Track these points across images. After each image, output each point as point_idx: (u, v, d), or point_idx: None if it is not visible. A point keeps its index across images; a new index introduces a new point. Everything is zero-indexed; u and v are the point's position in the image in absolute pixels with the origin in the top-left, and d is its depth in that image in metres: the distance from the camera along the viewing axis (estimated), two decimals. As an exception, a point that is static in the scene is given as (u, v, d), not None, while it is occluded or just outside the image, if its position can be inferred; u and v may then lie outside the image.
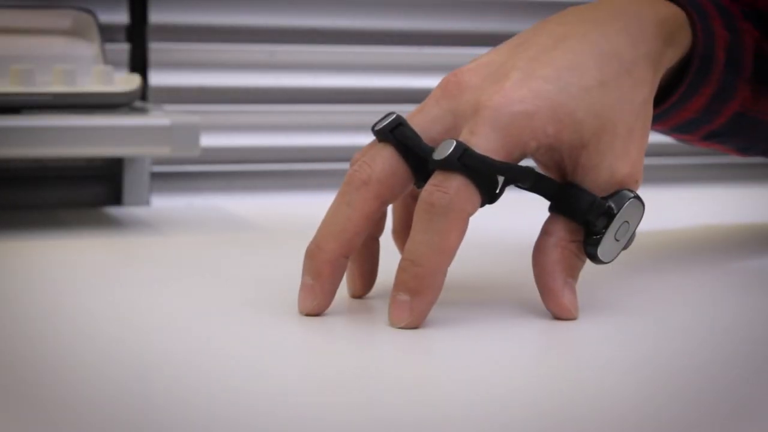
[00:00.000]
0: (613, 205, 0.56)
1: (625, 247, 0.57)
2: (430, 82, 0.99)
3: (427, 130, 0.56)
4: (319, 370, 0.50)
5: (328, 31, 0.96)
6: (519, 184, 0.56)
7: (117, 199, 0.90)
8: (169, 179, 0.93)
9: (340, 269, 0.56)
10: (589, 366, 0.51)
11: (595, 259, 0.57)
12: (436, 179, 0.54)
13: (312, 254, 0.56)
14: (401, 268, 0.54)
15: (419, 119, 0.56)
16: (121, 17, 0.90)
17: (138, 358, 0.50)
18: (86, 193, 0.89)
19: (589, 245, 0.56)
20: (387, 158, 0.56)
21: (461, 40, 1.00)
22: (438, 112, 0.57)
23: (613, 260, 0.57)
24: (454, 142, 0.54)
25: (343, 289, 0.60)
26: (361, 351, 0.53)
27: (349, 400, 0.46)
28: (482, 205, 0.55)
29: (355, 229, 0.56)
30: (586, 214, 0.56)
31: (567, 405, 0.46)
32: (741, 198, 0.99)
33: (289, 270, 0.68)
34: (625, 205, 0.56)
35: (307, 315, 0.56)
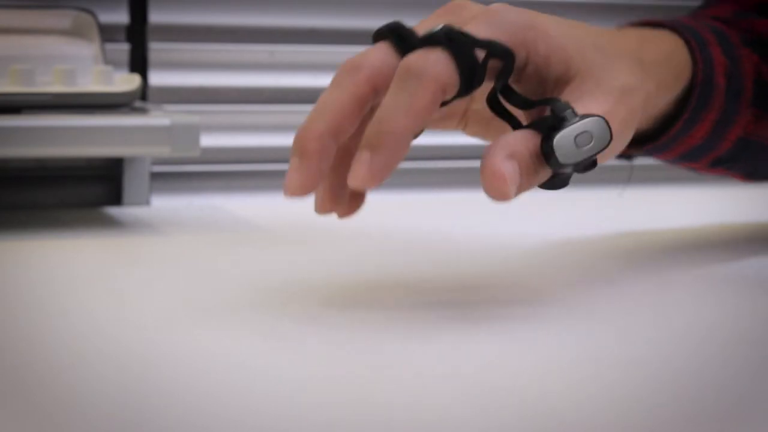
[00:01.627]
0: (576, 110, 0.54)
1: (583, 168, 0.55)
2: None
3: (423, 31, 0.55)
4: (320, 371, 0.50)
5: (328, 31, 0.96)
6: (497, 100, 0.55)
7: (117, 199, 0.90)
8: (169, 179, 0.93)
9: (327, 149, 0.54)
10: (590, 366, 0.51)
11: (551, 156, 0.54)
12: (418, 51, 0.54)
13: (298, 134, 0.55)
14: (368, 128, 0.53)
15: (419, 27, 0.56)
16: (121, 17, 0.90)
17: (138, 358, 0.50)
18: (86, 193, 0.89)
19: (546, 140, 0.54)
20: (382, 49, 0.55)
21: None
22: (438, 21, 0.56)
23: (569, 168, 0.54)
24: (443, 24, 0.54)
25: (342, 289, 0.60)
26: (362, 351, 0.53)
27: (348, 400, 0.46)
28: (461, 88, 0.54)
29: (343, 109, 0.54)
30: (551, 118, 0.54)
31: (567, 406, 0.46)
32: (741, 198, 0.99)
33: (289, 270, 0.68)
34: (592, 117, 0.54)
35: (293, 196, 0.54)
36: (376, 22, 0.98)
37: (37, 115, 0.75)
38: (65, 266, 0.68)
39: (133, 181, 0.89)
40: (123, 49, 0.90)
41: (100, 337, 0.53)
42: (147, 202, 0.90)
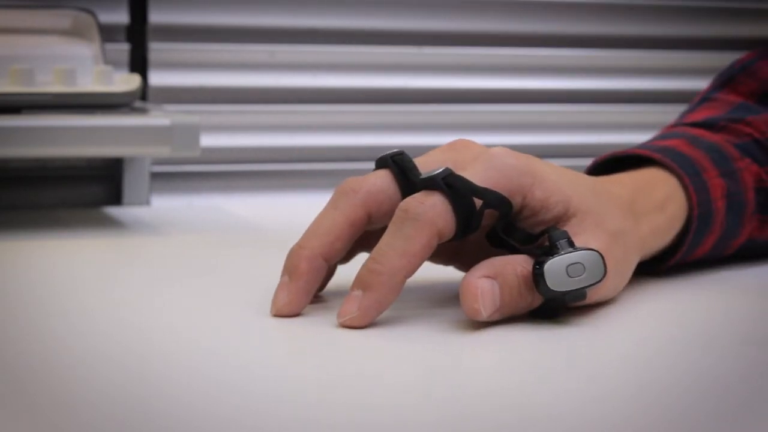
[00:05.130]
0: (574, 240, 0.55)
1: (570, 299, 0.55)
2: (430, 82, 0.99)
3: (424, 167, 0.56)
4: (320, 371, 0.50)
5: (328, 31, 0.96)
6: (497, 236, 0.56)
7: (117, 199, 0.90)
8: (169, 179, 0.93)
9: (318, 270, 0.56)
10: (590, 366, 0.51)
11: (540, 281, 0.54)
12: (417, 194, 0.55)
13: (292, 252, 0.56)
14: (362, 267, 0.55)
15: (421, 159, 0.58)
16: (121, 17, 0.90)
17: (137, 358, 0.50)
18: (86, 193, 0.89)
19: (538, 264, 0.54)
20: (380, 176, 0.57)
21: (461, 40, 1.00)
22: (441, 157, 0.58)
23: (557, 298, 0.54)
24: (443, 167, 0.55)
25: (342, 289, 0.60)
26: (362, 351, 0.53)
27: (349, 400, 0.46)
28: (457, 233, 0.55)
29: (338, 232, 0.56)
30: (546, 246, 0.55)
31: (569, 406, 0.46)
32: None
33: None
34: (588, 250, 0.55)
35: (278, 315, 0.55)
36: (376, 22, 0.99)
37: (37, 115, 0.75)
38: (65, 266, 0.68)
39: (133, 181, 0.89)
40: (123, 49, 0.90)
41: (100, 337, 0.53)
42: (147, 202, 0.90)
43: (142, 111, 0.78)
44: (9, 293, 0.61)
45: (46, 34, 0.84)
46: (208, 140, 0.91)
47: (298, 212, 0.88)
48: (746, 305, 0.62)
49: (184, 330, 0.55)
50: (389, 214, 0.56)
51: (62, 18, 0.85)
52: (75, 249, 0.73)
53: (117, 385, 0.46)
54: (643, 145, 0.68)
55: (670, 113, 1.02)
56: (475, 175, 0.55)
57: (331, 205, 0.57)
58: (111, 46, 0.88)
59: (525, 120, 1.02)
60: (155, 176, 0.92)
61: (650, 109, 1.05)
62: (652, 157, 0.65)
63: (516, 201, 0.56)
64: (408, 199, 0.55)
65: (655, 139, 0.70)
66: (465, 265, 0.60)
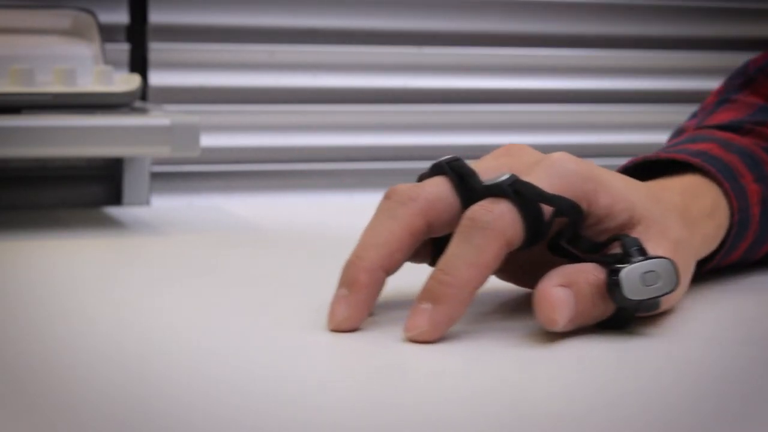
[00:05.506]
0: (648, 249, 0.54)
1: (644, 309, 0.54)
2: (430, 82, 0.99)
3: (483, 173, 0.54)
4: (320, 371, 0.50)
5: (328, 31, 0.96)
6: (560, 242, 0.54)
7: (117, 199, 0.90)
8: (169, 179, 0.93)
9: (377, 282, 0.54)
10: (589, 367, 0.51)
11: (616, 290, 0.52)
12: (483, 201, 0.53)
13: (349, 264, 0.54)
14: (430, 277, 0.53)
15: (476, 165, 0.55)
16: (121, 17, 0.90)
17: (137, 358, 0.50)
18: (86, 193, 0.89)
19: (612, 272, 0.52)
20: (438, 184, 0.55)
21: (461, 40, 1.00)
22: (495, 163, 0.56)
23: (632, 305, 0.53)
24: (508, 173, 0.53)
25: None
26: (363, 351, 0.53)
27: (349, 400, 0.46)
28: (526, 241, 0.53)
29: (398, 243, 0.54)
30: (618, 255, 0.53)
31: (570, 407, 0.46)
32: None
33: (289, 270, 0.68)
34: (661, 259, 0.53)
35: (337, 330, 0.53)
36: (376, 22, 0.99)
37: (37, 115, 0.75)
38: (65, 266, 0.68)
39: (133, 181, 0.89)
40: (123, 49, 0.90)
41: (100, 337, 0.53)
42: (147, 202, 0.90)
43: (142, 111, 0.78)
44: (9, 293, 0.61)
45: (46, 34, 0.84)
46: (208, 140, 0.90)
47: (298, 212, 0.88)
48: (745, 300, 0.62)
49: (184, 330, 0.55)
50: (448, 223, 0.54)
51: (62, 18, 0.85)
52: (75, 249, 0.73)
53: (117, 385, 0.46)
54: (676, 149, 0.66)
55: (670, 113, 1.02)
56: (540, 181, 0.53)
57: (388, 214, 0.54)
58: (111, 46, 0.88)
59: (525, 120, 1.02)
60: (155, 176, 0.92)
61: (650, 109, 1.05)
62: (691, 162, 0.64)
63: (581, 207, 0.54)
64: (474, 207, 0.53)
65: (682, 142, 0.68)
66: (507, 274, 0.59)
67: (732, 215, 0.63)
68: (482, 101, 1.00)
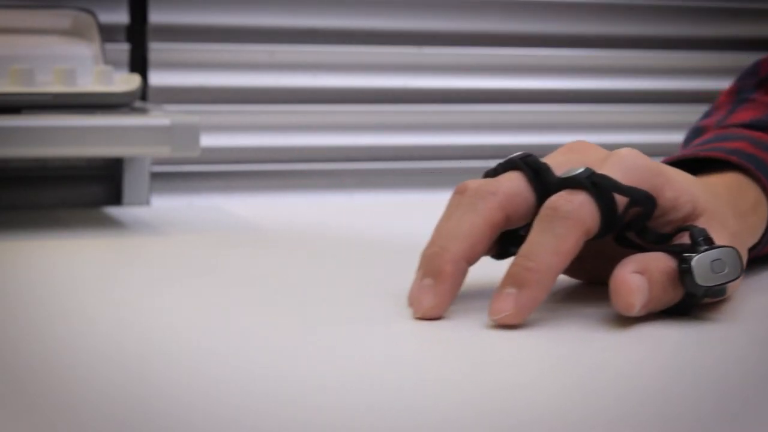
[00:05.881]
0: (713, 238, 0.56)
1: (712, 295, 0.56)
2: (430, 82, 0.99)
3: (556, 168, 0.57)
4: (320, 371, 0.50)
5: (328, 31, 0.96)
6: (627, 233, 0.57)
7: (117, 199, 0.90)
8: (169, 179, 0.93)
9: (461, 272, 0.56)
10: (590, 367, 0.51)
11: (688, 276, 0.55)
12: (562, 192, 0.55)
13: (433, 255, 0.56)
14: (513, 264, 0.55)
15: (547, 160, 0.58)
16: (121, 17, 0.90)
17: (137, 358, 0.50)
18: (86, 193, 0.89)
19: (684, 260, 0.55)
20: (514, 179, 0.57)
21: (461, 40, 1.00)
22: (563, 159, 0.58)
23: (701, 291, 0.55)
24: (583, 167, 0.55)
25: (342, 289, 0.60)
26: (363, 351, 0.53)
27: (350, 401, 0.46)
28: (601, 231, 0.55)
29: (480, 235, 0.56)
30: (686, 244, 0.55)
31: (570, 408, 0.46)
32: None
33: (289, 270, 0.68)
34: (726, 247, 0.55)
35: (424, 318, 0.55)
36: (376, 22, 0.99)
37: (37, 115, 0.75)
38: (65, 266, 0.68)
39: (133, 181, 0.89)
40: (123, 49, 0.90)
41: (100, 337, 0.53)
42: (147, 202, 0.90)
43: (142, 111, 0.78)
44: (9, 293, 0.61)
45: (46, 34, 0.84)
46: (208, 140, 0.90)
47: (298, 212, 0.88)
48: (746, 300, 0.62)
49: (184, 330, 0.55)
50: (525, 216, 0.56)
51: (62, 18, 0.85)
52: (75, 249, 0.73)
53: (117, 385, 0.46)
54: (710, 147, 0.68)
55: (670, 113, 1.02)
56: (613, 174, 0.56)
57: (468, 207, 0.56)
58: (111, 46, 0.88)
59: (525, 120, 1.02)
60: (155, 176, 0.92)
61: (650, 109, 1.05)
62: (729, 160, 0.66)
63: (655, 199, 0.56)
64: (555, 198, 0.55)
65: (711, 140, 0.70)
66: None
67: None
68: (482, 101, 1.01)
